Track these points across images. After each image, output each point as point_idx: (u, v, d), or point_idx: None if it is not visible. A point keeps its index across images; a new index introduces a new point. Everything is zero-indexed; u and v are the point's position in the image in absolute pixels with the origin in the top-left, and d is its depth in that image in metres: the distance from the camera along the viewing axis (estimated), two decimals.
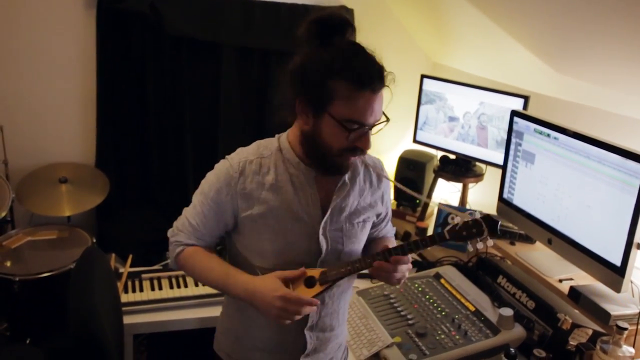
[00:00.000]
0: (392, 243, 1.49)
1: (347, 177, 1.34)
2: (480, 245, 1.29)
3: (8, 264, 2.36)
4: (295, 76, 1.20)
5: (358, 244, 1.40)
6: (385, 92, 1.21)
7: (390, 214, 1.52)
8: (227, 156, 1.34)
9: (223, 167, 1.31)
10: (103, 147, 2.92)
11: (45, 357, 1.98)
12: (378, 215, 1.45)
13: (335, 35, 1.19)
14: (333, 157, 1.23)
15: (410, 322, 1.78)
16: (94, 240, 2.52)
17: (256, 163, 1.30)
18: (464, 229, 1.28)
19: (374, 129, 1.23)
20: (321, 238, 1.31)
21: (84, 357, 1.45)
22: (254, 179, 1.28)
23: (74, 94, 2.85)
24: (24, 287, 2.25)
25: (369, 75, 1.16)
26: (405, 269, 1.29)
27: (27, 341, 2.31)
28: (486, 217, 1.28)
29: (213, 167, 1.35)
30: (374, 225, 1.47)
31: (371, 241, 1.50)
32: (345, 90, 1.15)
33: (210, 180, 1.32)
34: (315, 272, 1.28)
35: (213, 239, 1.38)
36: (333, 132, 1.18)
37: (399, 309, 1.85)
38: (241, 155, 1.32)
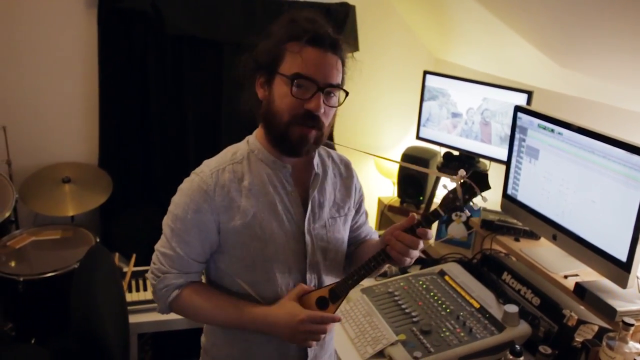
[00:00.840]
0: (377, 246, 1.37)
1: (318, 169, 1.33)
2: (476, 201, 1.20)
3: (12, 264, 2.37)
4: (253, 58, 1.22)
5: (342, 240, 1.39)
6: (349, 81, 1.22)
7: (364, 207, 1.49)
8: (194, 171, 1.26)
9: (194, 184, 1.23)
10: (106, 147, 2.92)
11: (50, 357, 1.99)
12: (355, 204, 1.43)
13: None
14: (288, 127, 1.18)
15: (414, 319, 1.77)
16: (98, 240, 2.52)
17: (229, 170, 1.24)
18: (453, 195, 1.20)
19: (331, 102, 1.20)
20: (307, 237, 1.29)
21: (87, 356, 1.46)
22: (230, 187, 1.22)
23: (76, 94, 2.85)
24: (29, 287, 2.26)
25: (318, 33, 1.16)
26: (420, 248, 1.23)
27: (32, 341, 2.32)
28: (473, 174, 1.19)
29: None
30: (354, 223, 1.45)
31: (359, 245, 1.49)
32: (293, 47, 1.16)
33: (184, 202, 1.22)
34: (324, 292, 1.27)
35: (200, 266, 1.29)
36: (282, 94, 1.17)
37: (403, 306, 1.84)
38: (210, 166, 1.25)
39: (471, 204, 1.20)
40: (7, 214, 2.46)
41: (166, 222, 1.26)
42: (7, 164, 2.67)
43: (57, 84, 2.80)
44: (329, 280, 1.36)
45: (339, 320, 1.23)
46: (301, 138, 1.20)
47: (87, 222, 2.85)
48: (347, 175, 1.41)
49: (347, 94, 1.24)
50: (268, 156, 1.27)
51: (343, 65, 1.22)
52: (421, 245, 1.22)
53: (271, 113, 1.20)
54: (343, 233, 1.39)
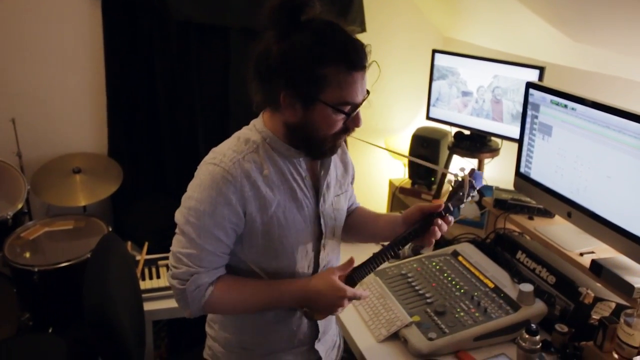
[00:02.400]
0: (390, 218, 1.48)
1: None
2: (474, 194, 1.38)
3: (27, 255, 2.39)
4: (275, 69, 1.12)
5: (344, 214, 1.43)
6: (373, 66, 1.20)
7: (354, 174, 1.52)
8: (208, 161, 1.20)
9: (217, 175, 1.16)
10: (115, 136, 2.92)
11: (66, 346, 2.01)
12: (351, 179, 1.48)
13: (301, 13, 1.11)
14: (327, 142, 1.20)
15: (428, 300, 1.76)
16: (110, 229, 2.54)
17: (249, 159, 1.19)
18: (462, 193, 1.36)
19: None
20: (321, 218, 1.31)
21: (101, 345, 1.46)
22: (255, 178, 1.19)
23: (83, 84, 2.85)
24: (44, 277, 2.28)
25: (356, 54, 1.12)
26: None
27: (50, 330, 2.35)
28: (471, 172, 1.37)
29: None
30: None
31: (349, 214, 1.53)
32: (337, 75, 1.10)
33: (209, 196, 1.16)
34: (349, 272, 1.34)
35: (227, 258, 1.26)
36: (327, 119, 1.14)
37: (417, 287, 1.83)
38: (229, 155, 1.19)
39: (469, 199, 1.37)
40: (19, 206, 2.48)
41: (186, 220, 1.19)
42: (17, 156, 2.68)
43: (64, 75, 2.80)
44: (334, 255, 1.39)
45: (366, 296, 1.35)
46: (335, 147, 1.24)
47: (99, 211, 2.87)
48: (341, 151, 1.42)
49: (368, 93, 1.22)
50: (282, 144, 1.23)
51: None
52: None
53: (309, 132, 1.17)
54: (345, 209, 1.43)
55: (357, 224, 1.51)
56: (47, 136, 2.84)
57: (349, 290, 1.25)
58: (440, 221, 1.31)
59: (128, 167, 2.87)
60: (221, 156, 1.19)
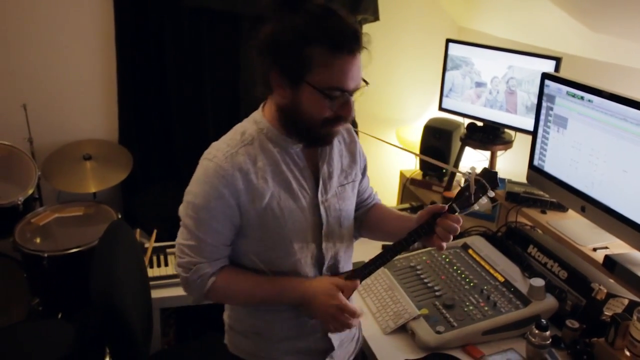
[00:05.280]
0: (406, 220, 1.42)
1: None
2: (484, 201, 1.30)
3: (37, 240, 2.40)
4: (266, 47, 1.14)
5: (351, 204, 1.40)
6: (365, 55, 1.16)
7: (366, 165, 1.49)
8: (205, 156, 1.24)
9: (210, 170, 1.20)
10: (125, 123, 2.92)
11: (75, 332, 2.02)
12: (361, 170, 1.44)
13: (305, 0, 1.13)
14: (316, 129, 1.19)
15: (437, 293, 1.74)
16: (119, 216, 2.54)
17: (242, 153, 1.21)
18: (468, 193, 1.29)
19: (355, 94, 1.18)
20: (322, 208, 1.30)
21: (108, 331, 1.47)
22: (247, 170, 1.20)
23: (94, 71, 2.85)
24: (53, 262, 2.29)
25: (345, 37, 1.10)
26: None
27: (59, 316, 2.37)
28: (484, 172, 1.30)
29: None
30: (360, 187, 1.47)
31: (368, 210, 1.51)
32: (322, 56, 1.10)
33: (203, 191, 1.20)
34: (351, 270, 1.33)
35: (229, 249, 1.28)
36: (314, 102, 1.14)
37: (425, 280, 1.81)
38: (223, 150, 1.22)
39: (480, 200, 1.29)
40: (30, 191, 2.50)
41: (186, 213, 1.23)
42: (28, 142, 2.69)
43: (75, 61, 2.80)
44: (343, 247, 1.37)
45: (361, 315, 1.27)
46: (330, 135, 1.23)
47: (109, 198, 2.88)
48: (350, 140, 1.40)
49: (367, 83, 1.20)
50: (279, 135, 1.24)
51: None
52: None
53: (298, 116, 1.17)
54: (352, 199, 1.40)
55: (373, 221, 1.50)
56: (58, 122, 2.85)
57: (343, 300, 1.23)
58: (447, 222, 1.27)
59: (138, 155, 2.88)
60: (215, 151, 1.22)
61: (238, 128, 1.28)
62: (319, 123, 1.18)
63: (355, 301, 1.52)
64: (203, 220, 1.21)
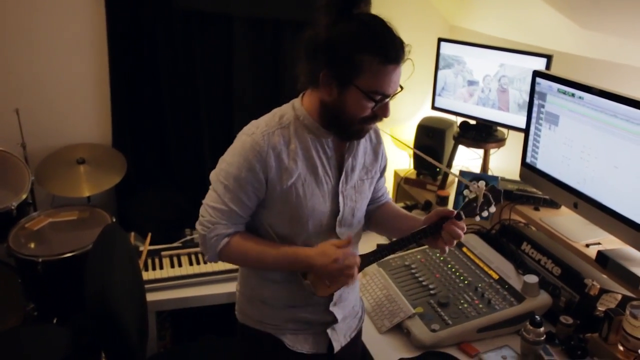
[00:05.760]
0: (413, 220, 1.52)
1: None
2: (485, 214, 1.45)
3: (32, 245, 2.40)
4: (320, 49, 1.24)
5: (366, 199, 1.50)
6: (407, 63, 1.29)
7: (386, 166, 1.59)
8: (244, 132, 1.34)
9: (247, 145, 1.30)
10: (118, 127, 2.91)
11: (70, 336, 2.01)
12: (380, 169, 1.54)
13: (354, 7, 1.25)
14: (355, 125, 1.30)
15: (432, 292, 1.75)
16: (114, 220, 2.53)
17: (278, 134, 1.32)
18: (475, 204, 1.43)
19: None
20: (340, 197, 1.39)
21: (103, 335, 1.47)
22: (280, 150, 1.31)
23: (87, 75, 2.84)
24: (48, 267, 2.28)
25: (393, 48, 1.22)
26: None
27: (54, 321, 2.36)
28: (491, 189, 1.45)
29: (230, 142, 1.35)
30: (376, 184, 1.56)
31: (378, 207, 1.60)
32: (371, 64, 1.21)
33: (237, 162, 1.31)
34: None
35: (248, 218, 1.39)
36: (357, 103, 1.25)
37: (420, 279, 1.82)
38: (261, 128, 1.32)
39: (483, 212, 1.45)
40: (24, 196, 2.49)
41: (218, 178, 1.34)
42: (21, 147, 2.68)
43: (67, 65, 2.79)
44: (355, 235, 1.46)
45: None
46: (363, 131, 1.34)
47: (103, 202, 2.87)
48: (376, 141, 1.51)
49: (402, 88, 1.32)
50: (313, 123, 1.34)
51: None
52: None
53: (339, 111, 1.28)
54: (368, 193, 1.50)
55: (383, 218, 1.60)
56: (51, 127, 2.84)
57: (340, 252, 1.31)
58: (452, 227, 1.36)
59: (132, 158, 2.86)
60: (255, 128, 1.33)
61: (277, 111, 1.37)
62: (358, 120, 1.28)
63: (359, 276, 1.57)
64: (231, 187, 1.32)
